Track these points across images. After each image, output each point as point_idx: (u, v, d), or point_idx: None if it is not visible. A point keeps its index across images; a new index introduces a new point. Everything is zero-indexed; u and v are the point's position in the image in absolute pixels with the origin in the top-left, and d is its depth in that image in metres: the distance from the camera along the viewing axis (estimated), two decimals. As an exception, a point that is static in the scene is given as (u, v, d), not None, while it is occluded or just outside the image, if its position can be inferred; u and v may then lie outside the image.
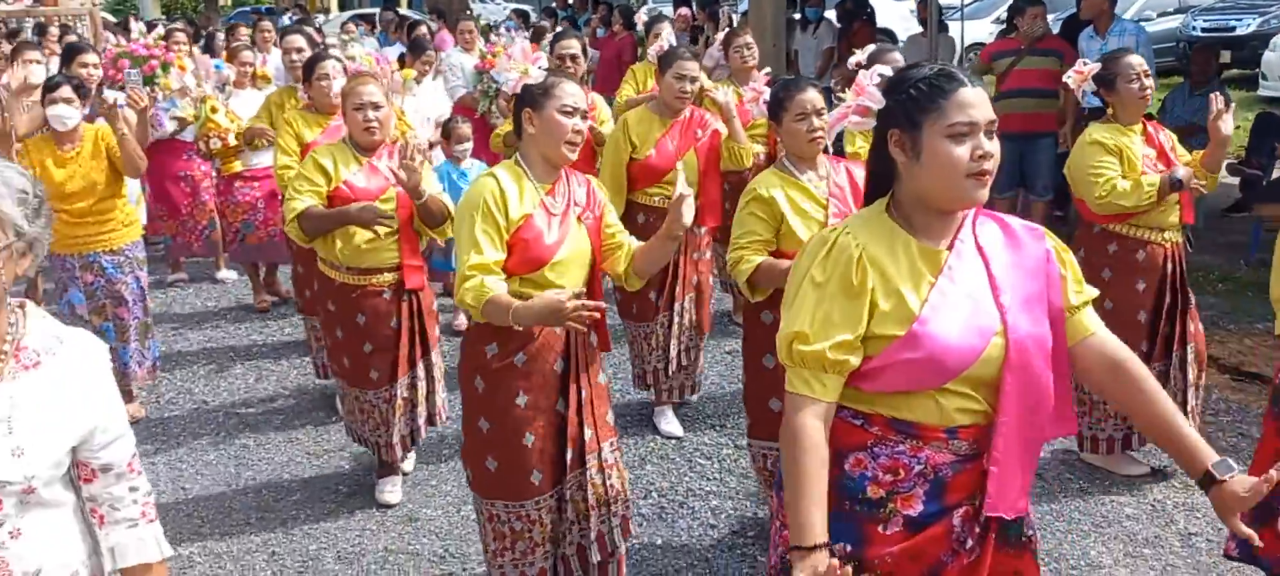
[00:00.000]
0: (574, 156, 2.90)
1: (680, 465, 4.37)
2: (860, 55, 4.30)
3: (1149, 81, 3.94)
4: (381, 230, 3.80)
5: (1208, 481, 1.91)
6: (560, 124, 2.83)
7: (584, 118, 2.88)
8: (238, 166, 6.50)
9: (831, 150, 3.37)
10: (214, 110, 6.37)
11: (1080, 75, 4.04)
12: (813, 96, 3.28)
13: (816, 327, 1.88)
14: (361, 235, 3.82)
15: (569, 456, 2.96)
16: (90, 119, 5.00)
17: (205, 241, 7.20)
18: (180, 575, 3.58)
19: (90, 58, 5.91)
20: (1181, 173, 3.87)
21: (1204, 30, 13.70)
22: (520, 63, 3.13)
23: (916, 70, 1.94)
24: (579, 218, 2.95)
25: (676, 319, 4.61)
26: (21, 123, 5.53)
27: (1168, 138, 4.08)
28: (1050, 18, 7.30)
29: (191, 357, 5.85)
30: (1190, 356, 4.06)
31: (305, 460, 4.43)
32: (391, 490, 4.12)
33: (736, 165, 4.63)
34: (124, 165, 4.70)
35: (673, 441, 4.57)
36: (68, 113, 4.66)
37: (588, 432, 2.98)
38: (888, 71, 1.96)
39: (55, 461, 1.74)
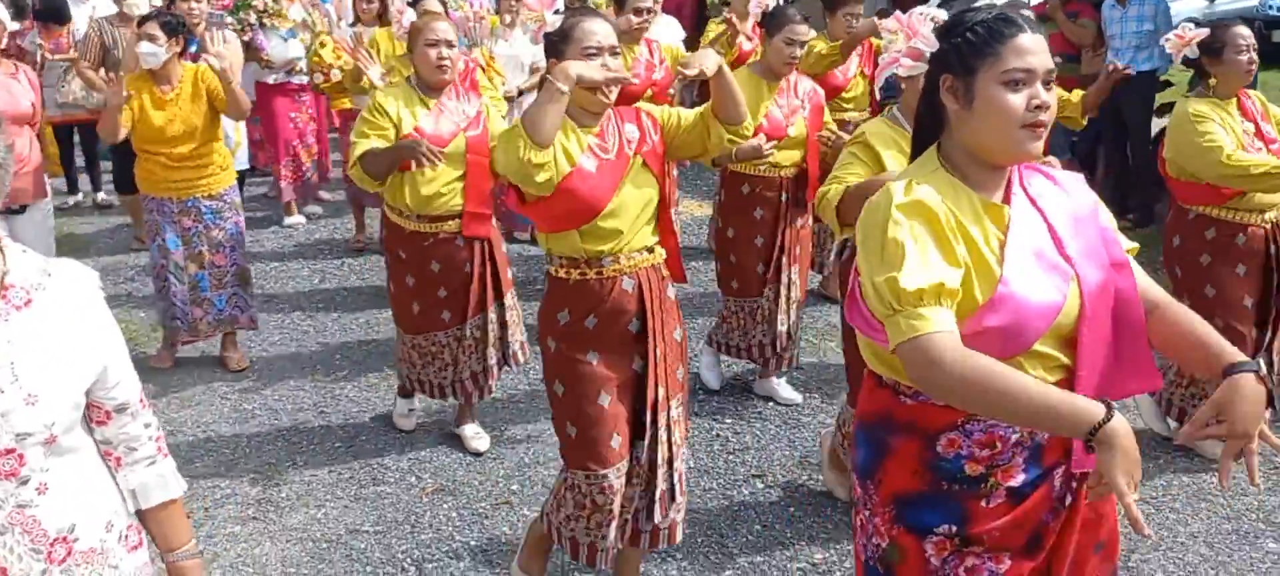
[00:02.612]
0: (611, 98, 2.77)
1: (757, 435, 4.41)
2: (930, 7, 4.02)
3: (1255, 55, 3.88)
4: (450, 173, 3.78)
5: (1229, 371, 1.77)
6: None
7: (615, 55, 2.74)
8: (348, 104, 6.43)
9: (879, 96, 3.26)
10: (322, 45, 6.29)
11: (1182, 39, 3.89)
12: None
13: (914, 267, 1.71)
14: (430, 183, 3.79)
15: (647, 419, 2.91)
16: (194, 57, 4.99)
17: (304, 182, 7.36)
18: (266, 500, 3.96)
19: None
20: None
21: (1278, 9, 13.63)
22: (535, 12, 3.04)
23: (973, 12, 1.85)
24: (638, 152, 2.84)
25: (784, 291, 4.45)
26: (128, 59, 5.49)
27: (1258, 104, 3.95)
28: None
29: (288, 299, 6.05)
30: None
31: (449, 464, 4.20)
32: (407, 415, 4.33)
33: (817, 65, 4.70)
34: (228, 107, 4.67)
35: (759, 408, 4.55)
36: (151, 50, 4.54)
37: (660, 392, 2.91)
38: (941, 13, 1.90)
39: (73, 403, 1.65)
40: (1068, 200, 1.91)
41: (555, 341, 2.90)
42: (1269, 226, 3.90)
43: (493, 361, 4.05)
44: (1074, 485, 1.90)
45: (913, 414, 1.89)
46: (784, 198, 4.38)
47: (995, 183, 1.86)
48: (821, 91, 4.51)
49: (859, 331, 1.95)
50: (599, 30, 2.72)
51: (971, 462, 1.85)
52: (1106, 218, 1.95)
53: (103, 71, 6.61)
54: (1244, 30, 3.90)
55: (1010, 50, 1.77)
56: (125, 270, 6.63)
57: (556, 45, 2.77)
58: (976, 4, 1.92)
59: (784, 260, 4.42)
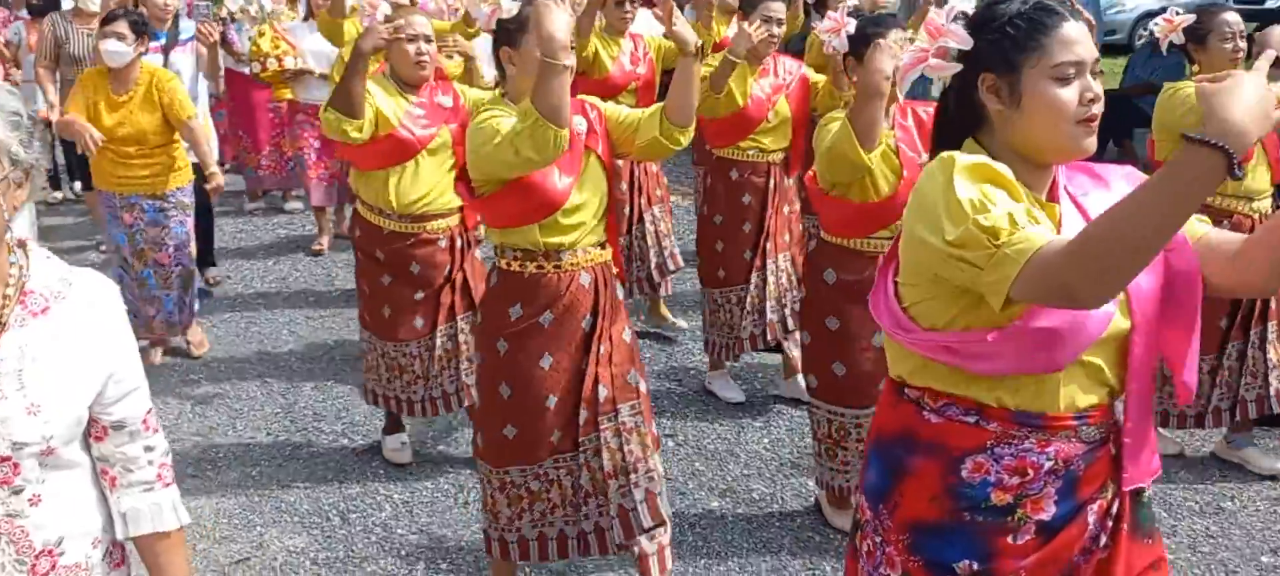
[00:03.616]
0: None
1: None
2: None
3: (1243, 43, 3.80)
4: (435, 172, 3.67)
5: None
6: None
7: (570, 51, 2.58)
8: (288, 95, 6.52)
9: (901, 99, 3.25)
10: (261, 34, 6.31)
11: (1170, 24, 3.83)
12: (897, 36, 3.10)
13: (997, 203, 1.55)
14: (416, 182, 3.67)
15: (583, 417, 2.81)
16: (167, 49, 5.05)
17: (289, 173, 7.30)
18: (204, 459, 4.20)
19: None
20: None
21: (1238, 1, 14.08)
22: None
23: (1007, 4, 1.70)
24: (588, 146, 2.79)
25: (772, 277, 4.36)
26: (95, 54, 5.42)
27: None
28: None
29: (250, 300, 6.00)
30: (1272, 335, 3.86)
31: (381, 426, 4.26)
32: (401, 449, 4.06)
33: (828, 104, 4.19)
34: (179, 115, 4.67)
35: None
36: (118, 49, 4.51)
37: (603, 392, 2.81)
38: (966, 6, 1.79)
39: (76, 418, 1.59)
40: (1112, 199, 1.69)
41: (506, 341, 2.80)
42: (1256, 216, 3.80)
43: (468, 379, 3.84)
44: (1111, 524, 1.74)
45: (938, 433, 1.73)
46: (772, 183, 4.35)
47: (1041, 181, 1.72)
48: (807, 69, 4.44)
49: (886, 332, 1.80)
50: (562, 22, 2.55)
51: (999, 491, 1.70)
52: None
53: (57, 69, 6.56)
54: (1232, 16, 3.83)
55: (1056, 42, 1.64)
56: (83, 264, 6.83)
57: (512, 33, 2.74)
58: None
59: (769, 246, 4.35)
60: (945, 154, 1.66)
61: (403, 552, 3.52)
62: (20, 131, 1.53)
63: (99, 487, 1.69)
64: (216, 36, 5.22)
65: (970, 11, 1.78)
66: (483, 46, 5.95)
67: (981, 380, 1.69)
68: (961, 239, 1.55)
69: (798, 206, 4.57)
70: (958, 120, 1.78)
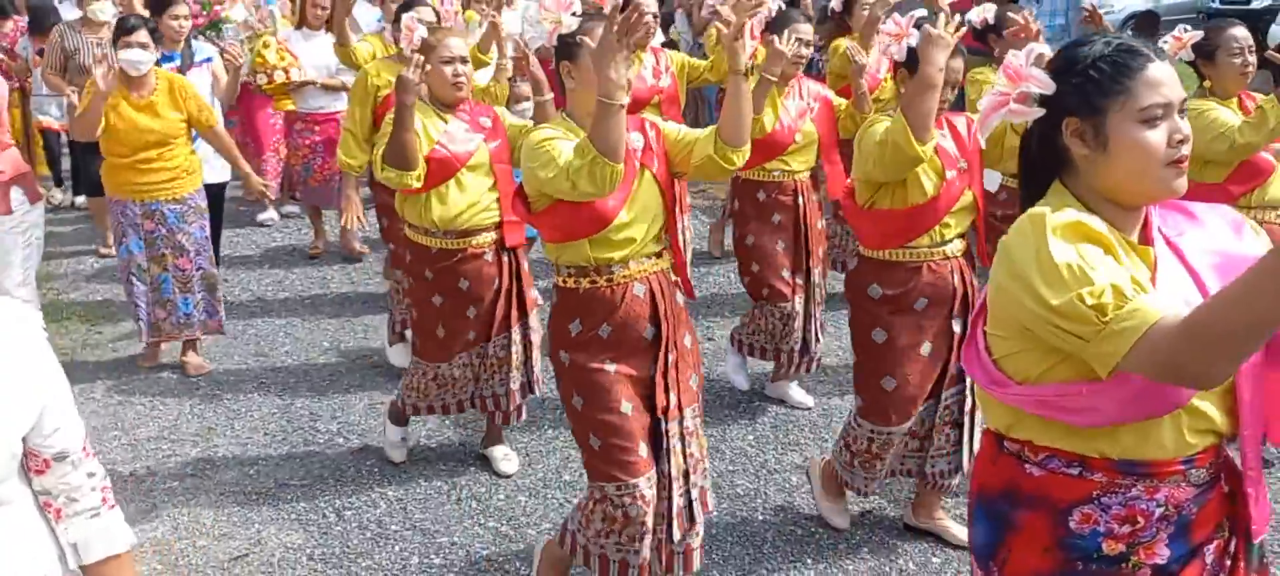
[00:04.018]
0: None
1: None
2: (985, 10, 3.93)
3: (1252, 56, 3.83)
4: (478, 187, 3.70)
5: None
6: None
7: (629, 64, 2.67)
8: (290, 105, 6.52)
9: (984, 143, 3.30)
10: (266, 45, 6.30)
11: (1179, 42, 3.84)
12: (956, 64, 3.11)
13: (1102, 273, 1.52)
14: (460, 198, 3.69)
15: (663, 426, 2.87)
16: (181, 70, 5.10)
17: (287, 181, 7.28)
18: (203, 459, 4.30)
19: (180, 9, 5.54)
20: None
21: (1223, 2, 14.25)
22: (552, 13, 2.94)
23: (1090, 47, 1.68)
24: (643, 164, 2.82)
25: (815, 291, 4.45)
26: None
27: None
28: None
29: (249, 306, 6.06)
30: None
31: (375, 426, 4.44)
32: (400, 445, 4.15)
33: (850, 128, 4.27)
34: (205, 125, 4.77)
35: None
36: (141, 57, 4.55)
37: (671, 398, 2.87)
38: (1044, 49, 1.73)
39: (10, 452, 1.53)
40: (1207, 237, 1.73)
41: (568, 353, 2.85)
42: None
43: (515, 385, 3.90)
44: (1229, 563, 1.73)
45: (1042, 486, 1.71)
46: (800, 200, 4.38)
47: (1132, 223, 1.70)
48: (829, 92, 4.51)
49: (979, 387, 1.80)
50: None
51: (1110, 540, 1.68)
52: (1252, 238, 1.74)
53: (67, 77, 6.65)
54: (1239, 32, 3.88)
55: (1142, 85, 1.62)
56: (85, 273, 6.88)
57: (572, 49, 2.77)
58: (1090, 37, 1.75)
59: (809, 263, 4.41)
60: (1036, 211, 1.63)
61: (397, 548, 3.62)
62: None
63: (41, 522, 1.63)
64: (243, 61, 5.25)
65: (1050, 54, 1.75)
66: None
67: (1080, 431, 1.65)
68: (1065, 310, 1.52)
69: (822, 225, 4.59)
70: (1042, 164, 1.75)
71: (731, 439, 4.37)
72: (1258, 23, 12.79)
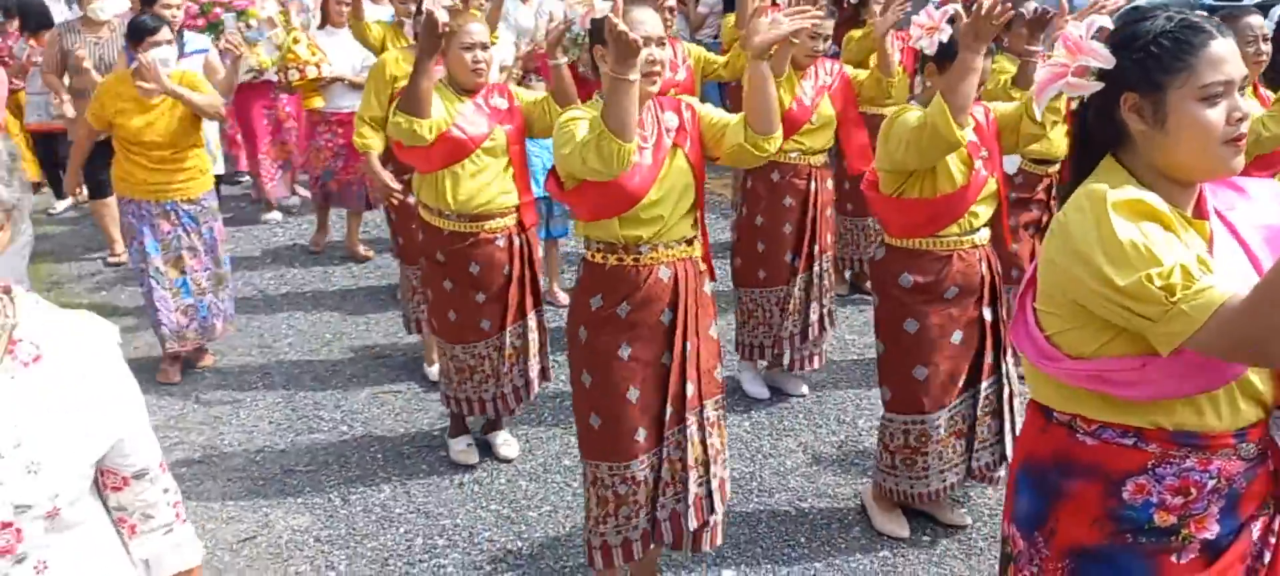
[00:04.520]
0: (654, 88, 2.75)
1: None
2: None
3: (1267, 45, 3.83)
4: (493, 169, 3.72)
5: None
6: None
7: (661, 45, 2.72)
8: (318, 103, 6.48)
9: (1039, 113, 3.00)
10: (296, 41, 6.25)
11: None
12: (985, 63, 3.08)
13: (1168, 251, 1.54)
14: (473, 179, 3.72)
15: (669, 413, 2.86)
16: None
17: (277, 182, 7.40)
18: (210, 446, 4.39)
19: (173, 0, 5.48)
20: None
21: None
22: None
23: (1151, 21, 1.67)
24: (676, 144, 2.84)
25: (817, 280, 4.40)
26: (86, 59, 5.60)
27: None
28: None
29: (252, 300, 6.10)
30: None
31: (377, 415, 4.63)
32: (469, 450, 4.13)
33: (884, 96, 4.34)
34: (205, 108, 4.68)
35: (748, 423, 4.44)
36: (170, 54, 4.55)
37: (690, 388, 2.87)
38: (1107, 22, 1.70)
39: (81, 474, 1.49)
40: (1257, 211, 1.74)
41: (587, 329, 2.88)
42: None
43: (534, 374, 3.98)
44: (1273, 539, 1.73)
45: (1096, 455, 1.70)
46: (813, 186, 4.37)
47: (1187, 198, 1.69)
48: (849, 68, 4.49)
49: (1027, 359, 1.79)
50: (646, 20, 2.69)
51: (1162, 511, 1.68)
52: None
53: (65, 78, 6.65)
54: (1254, 20, 3.87)
55: (1204, 62, 1.62)
56: (92, 277, 6.98)
57: (603, 33, 2.71)
58: (1148, 8, 1.73)
59: (815, 249, 4.38)
60: (1094, 187, 1.63)
61: (401, 530, 3.72)
62: (2, 168, 1.43)
63: (111, 539, 1.61)
64: (242, 50, 5.22)
65: (1110, 27, 1.73)
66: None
67: (1135, 405, 1.66)
68: (1133, 291, 1.53)
69: (830, 213, 4.57)
70: (1097, 137, 1.74)
71: (728, 425, 4.42)
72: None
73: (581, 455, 3.00)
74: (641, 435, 2.87)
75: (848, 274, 5.90)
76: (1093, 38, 1.70)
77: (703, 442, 2.93)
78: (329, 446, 4.35)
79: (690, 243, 2.89)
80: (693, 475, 2.91)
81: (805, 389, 4.73)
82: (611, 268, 2.84)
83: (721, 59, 5.02)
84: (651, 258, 2.83)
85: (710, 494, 2.96)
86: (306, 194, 7.72)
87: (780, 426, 4.44)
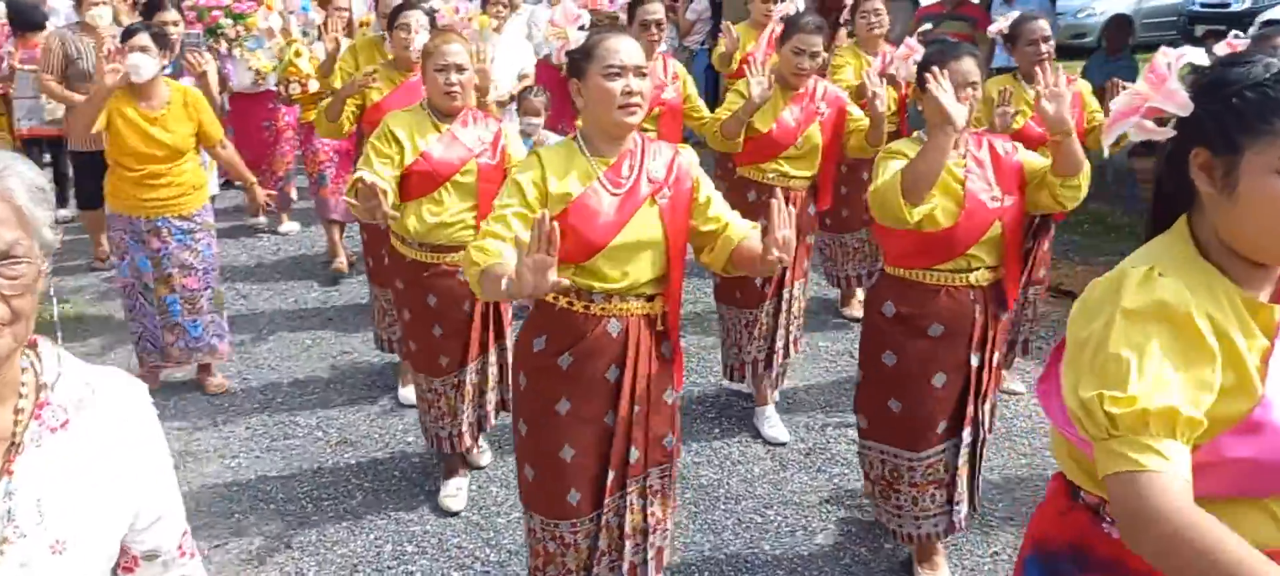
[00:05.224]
0: (634, 121, 2.53)
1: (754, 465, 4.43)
2: (1002, 23, 4.44)
3: (1046, 45, 4.24)
4: (459, 204, 3.60)
5: None
6: (606, 89, 2.47)
7: (641, 76, 2.51)
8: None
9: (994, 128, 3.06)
10: (298, 54, 6.18)
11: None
12: (969, 67, 2.97)
13: (1142, 385, 1.33)
14: (436, 212, 3.62)
15: (610, 478, 2.70)
16: (175, 76, 4.90)
17: (279, 194, 7.25)
18: (186, 453, 4.42)
19: (170, 15, 5.36)
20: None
21: (1203, 5, 14.63)
22: (559, 28, 2.83)
23: (1241, 68, 1.41)
24: (653, 197, 2.61)
25: (786, 306, 4.32)
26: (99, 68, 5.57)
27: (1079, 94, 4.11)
28: None
29: (230, 307, 5.87)
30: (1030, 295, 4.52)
31: (352, 421, 4.68)
32: (456, 495, 3.92)
33: (861, 155, 4.34)
34: (210, 133, 4.65)
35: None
36: (144, 62, 4.38)
37: (634, 453, 2.71)
38: (1198, 55, 1.50)
39: (108, 554, 1.33)
40: None
41: (526, 377, 2.72)
42: None
43: (490, 407, 3.89)
44: None
45: (1118, 551, 1.49)
46: (792, 211, 4.33)
47: (1263, 278, 1.45)
48: (846, 98, 4.39)
49: (1054, 425, 1.62)
50: (623, 48, 2.51)
51: None
52: None
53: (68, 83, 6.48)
54: (1038, 24, 4.25)
55: None
56: (91, 289, 6.98)
57: (579, 63, 2.59)
58: (1246, 56, 1.44)
59: (787, 275, 4.26)
60: (1131, 270, 1.43)
61: (371, 537, 3.76)
62: (46, 206, 1.29)
63: None
64: (204, 67, 5.16)
65: (1204, 65, 1.49)
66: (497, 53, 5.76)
67: None
68: (1088, 403, 1.36)
69: (811, 239, 4.53)
70: (1171, 194, 1.51)
71: (698, 432, 4.52)
72: (1239, 26, 13.10)
73: (520, 501, 2.89)
74: (575, 497, 2.71)
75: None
76: (1178, 74, 1.49)
77: (643, 511, 2.79)
78: (303, 453, 4.39)
79: (651, 299, 2.69)
80: (629, 544, 2.78)
81: (787, 437, 4.44)
82: (560, 310, 2.65)
83: (708, 115, 4.78)
84: (603, 308, 2.63)
85: (645, 562, 2.84)
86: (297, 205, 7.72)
87: (750, 435, 4.49)
